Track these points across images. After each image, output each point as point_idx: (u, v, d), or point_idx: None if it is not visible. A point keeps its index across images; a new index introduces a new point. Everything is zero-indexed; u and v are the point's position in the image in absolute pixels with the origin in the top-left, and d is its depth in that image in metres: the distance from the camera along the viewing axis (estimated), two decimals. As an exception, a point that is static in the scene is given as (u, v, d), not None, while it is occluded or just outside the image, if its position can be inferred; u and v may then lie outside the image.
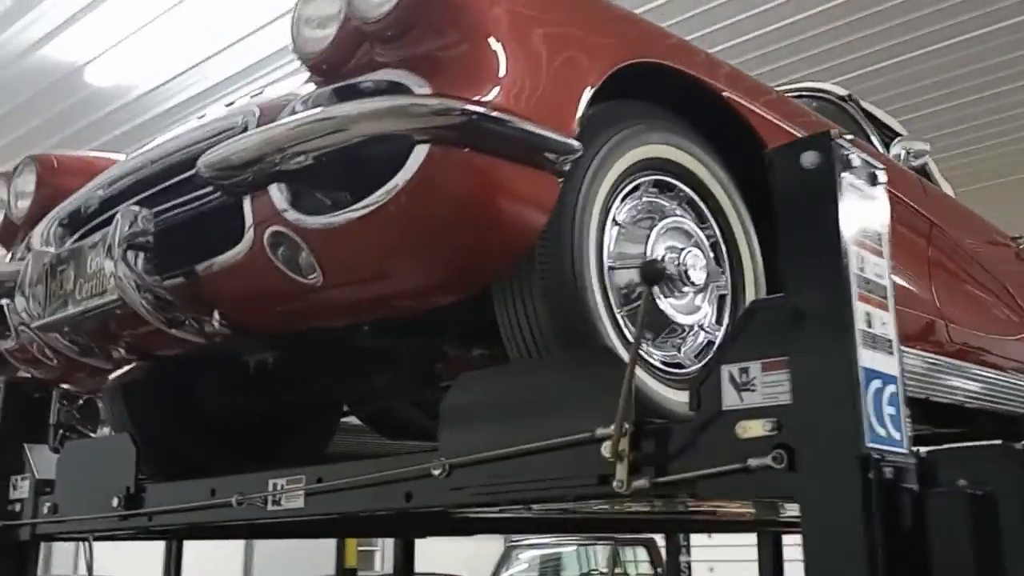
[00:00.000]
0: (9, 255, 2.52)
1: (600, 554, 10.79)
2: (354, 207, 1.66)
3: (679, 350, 1.97)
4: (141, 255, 1.92)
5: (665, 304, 1.94)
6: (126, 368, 2.36)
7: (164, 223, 1.97)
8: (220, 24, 6.64)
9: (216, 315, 1.95)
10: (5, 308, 2.43)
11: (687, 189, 2.08)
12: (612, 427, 1.49)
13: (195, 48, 6.80)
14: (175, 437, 2.71)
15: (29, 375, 2.83)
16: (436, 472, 1.75)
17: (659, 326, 1.94)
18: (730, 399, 1.42)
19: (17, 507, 2.80)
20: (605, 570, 10.61)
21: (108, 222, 2.11)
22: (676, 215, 2.04)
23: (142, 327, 2.02)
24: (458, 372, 2.70)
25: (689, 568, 6.20)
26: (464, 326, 2.13)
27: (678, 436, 1.48)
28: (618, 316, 1.86)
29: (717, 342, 2.04)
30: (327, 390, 2.65)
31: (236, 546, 14.78)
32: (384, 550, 14.84)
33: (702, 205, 2.10)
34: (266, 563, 15.09)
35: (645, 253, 1.94)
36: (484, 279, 1.80)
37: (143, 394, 2.65)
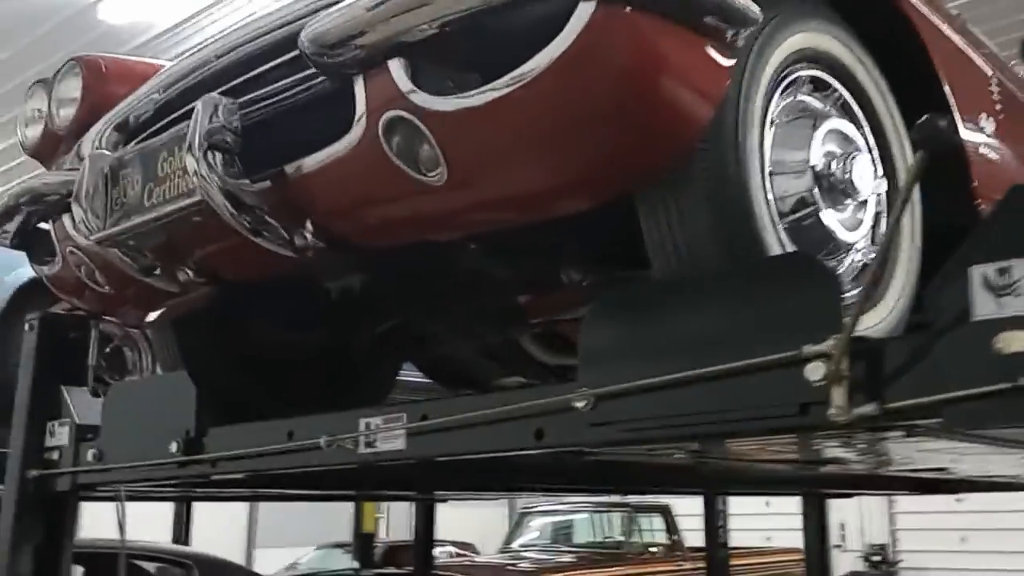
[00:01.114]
0: (55, 167, 2.24)
1: (614, 521, 10.60)
2: (496, 85, 1.39)
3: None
4: (221, 155, 1.65)
5: (828, 217, 1.68)
6: (185, 295, 2.10)
7: (248, 118, 1.70)
8: (242, -40, 6.31)
9: (309, 224, 1.68)
10: (52, 230, 2.17)
11: (843, 89, 1.81)
12: (825, 344, 1.23)
13: (216, -17, 6.47)
14: (230, 379, 2.45)
15: (68, 307, 2.58)
16: (579, 404, 1.49)
17: (821, 241, 1.68)
18: (984, 306, 1.16)
19: (55, 455, 2.54)
20: (621, 537, 10.43)
21: (170, 127, 1.85)
22: (834, 117, 1.77)
23: (220, 239, 1.76)
24: (544, 309, 2.48)
25: (726, 535, 5.98)
26: (590, 242, 1.86)
27: (905, 354, 1.22)
28: (779, 228, 1.59)
29: (873, 265, 1.78)
30: (407, 325, 2.38)
31: (240, 509, 14.62)
32: (390, 516, 14.67)
33: (857, 109, 1.84)
34: (269, 527, 14.93)
35: (808, 159, 1.68)
36: (637, 178, 1.53)
37: (196, 328, 2.39)
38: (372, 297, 2.07)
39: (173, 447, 2.16)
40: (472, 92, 1.42)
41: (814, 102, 1.77)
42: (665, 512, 10.76)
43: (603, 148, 1.44)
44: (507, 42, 1.41)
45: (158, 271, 1.91)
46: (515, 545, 10.73)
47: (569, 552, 10.16)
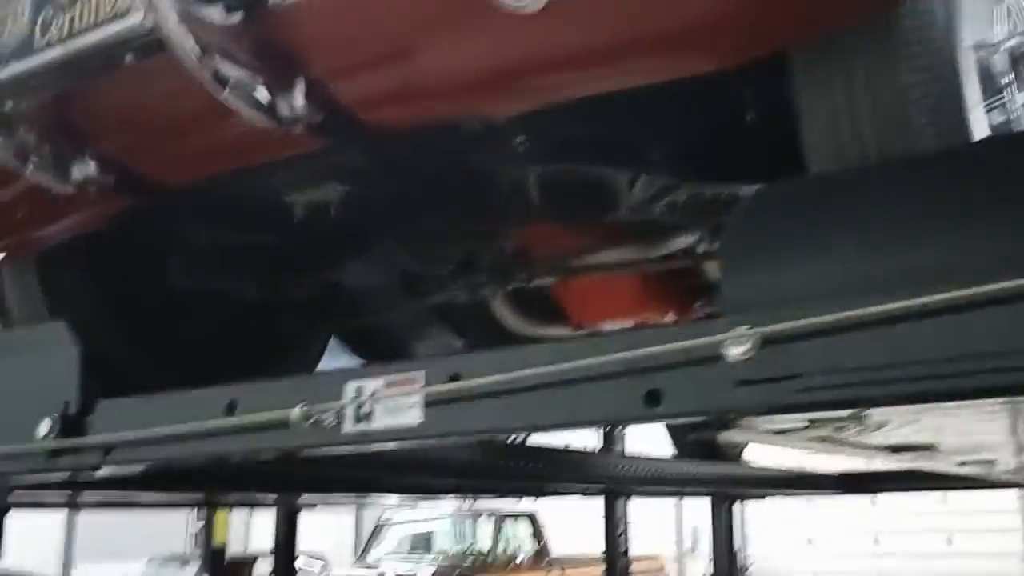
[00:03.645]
0: None
1: (479, 529, 10.16)
2: None
3: None
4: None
5: (1016, 108, 1.26)
6: (69, 211, 1.47)
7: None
8: None
9: (302, 82, 1.11)
10: None
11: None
12: None
13: None
14: (116, 338, 1.82)
15: None
16: (733, 352, 0.99)
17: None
18: None
19: None
20: (487, 545, 10.01)
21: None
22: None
23: (159, 102, 1.16)
24: (555, 251, 1.90)
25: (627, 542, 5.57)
26: (688, 139, 1.35)
27: None
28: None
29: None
30: (377, 267, 1.80)
31: (54, 514, 13.18)
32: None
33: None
34: (90, 536, 13.54)
35: (1001, 34, 1.25)
36: (810, 24, 1.05)
37: (72, 267, 1.75)
38: (348, 220, 1.49)
39: (43, 428, 1.52)
40: None
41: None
42: (531, 519, 10.41)
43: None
44: None
45: (41, 158, 1.27)
46: (372, 556, 10.10)
47: (434, 562, 9.64)
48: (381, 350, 2.45)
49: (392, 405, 1.24)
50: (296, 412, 1.25)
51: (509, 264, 1.73)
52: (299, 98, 1.11)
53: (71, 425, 1.52)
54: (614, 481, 4.51)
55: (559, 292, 2.06)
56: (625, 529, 5.70)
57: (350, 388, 1.28)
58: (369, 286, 2.08)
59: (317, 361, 2.27)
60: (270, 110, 1.11)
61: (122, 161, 1.30)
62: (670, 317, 2.12)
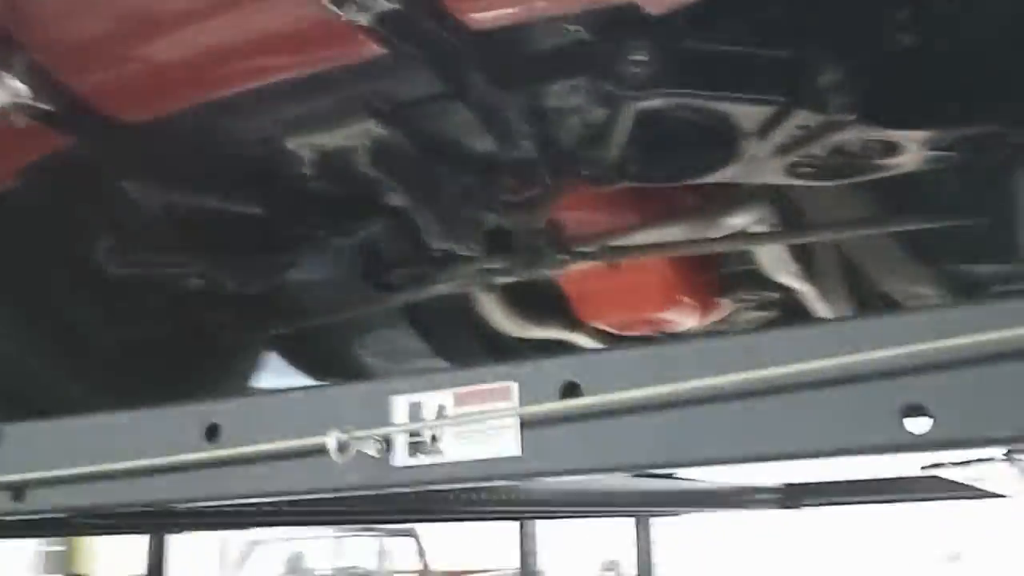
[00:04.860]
0: None
1: (356, 548, 9.77)
2: None
3: None
4: None
5: None
6: None
7: None
8: None
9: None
10: None
11: None
12: None
13: None
14: (31, 343, 1.37)
15: None
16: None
17: None
18: None
19: None
20: (371, 566, 9.62)
21: None
22: None
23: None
24: (586, 241, 1.51)
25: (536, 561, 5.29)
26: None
27: None
28: None
29: None
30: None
31: None
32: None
33: None
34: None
35: None
36: None
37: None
38: (366, 179, 1.09)
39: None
40: None
41: None
42: (413, 535, 10.06)
43: None
44: None
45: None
46: (247, 579, 9.51)
47: (316, 582, 9.16)
48: (319, 357, 2.04)
49: (470, 429, 0.87)
50: (334, 439, 0.86)
51: (542, 245, 1.37)
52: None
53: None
54: (526, 503, 4.09)
55: (564, 283, 1.71)
56: (534, 548, 5.41)
57: (399, 405, 0.90)
58: (324, 278, 1.69)
59: (252, 372, 1.85)
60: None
61: (65, 79, 0.88)
62: (691, 315, 1.81)
